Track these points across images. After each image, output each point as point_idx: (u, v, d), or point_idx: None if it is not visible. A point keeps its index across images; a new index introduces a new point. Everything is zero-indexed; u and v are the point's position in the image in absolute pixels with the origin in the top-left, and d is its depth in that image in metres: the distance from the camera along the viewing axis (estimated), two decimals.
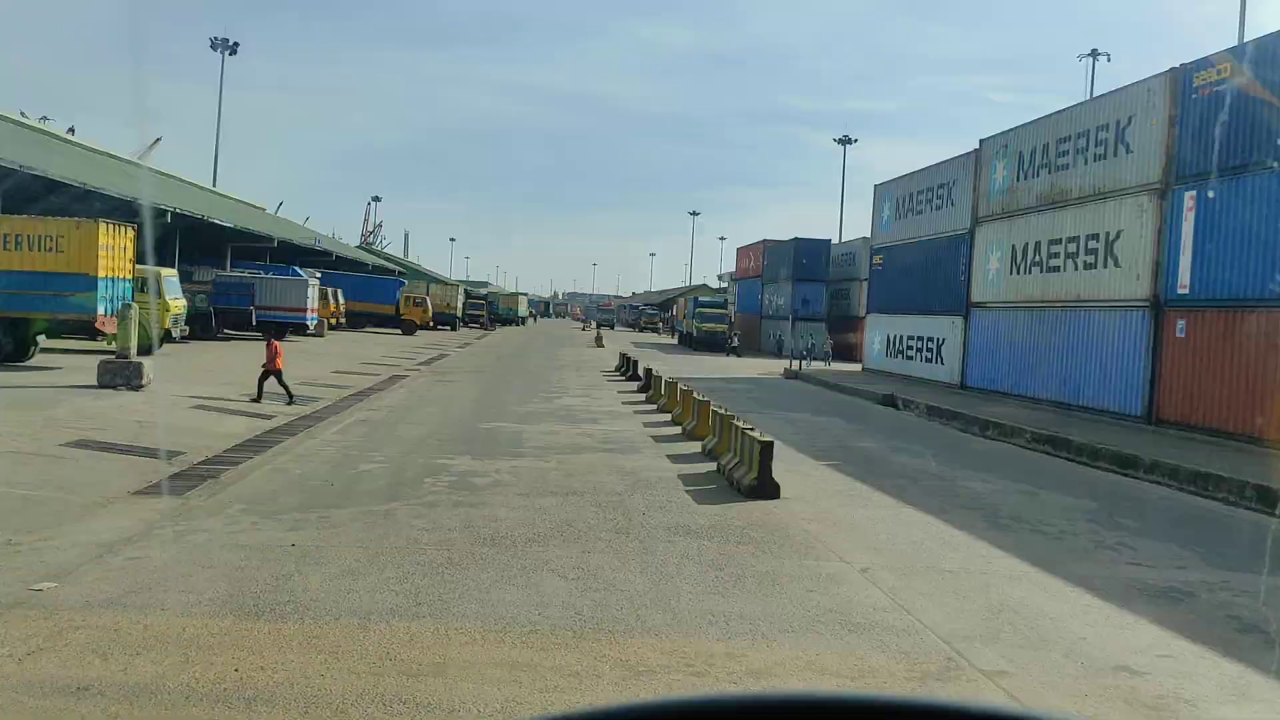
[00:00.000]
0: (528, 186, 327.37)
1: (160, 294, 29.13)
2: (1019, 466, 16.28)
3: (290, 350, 39.42)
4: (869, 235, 59.56)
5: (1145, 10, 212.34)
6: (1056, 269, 25.51)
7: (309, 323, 42.18)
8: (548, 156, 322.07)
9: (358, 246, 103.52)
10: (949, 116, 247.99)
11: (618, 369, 35.55)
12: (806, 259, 59.61)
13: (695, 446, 16.20)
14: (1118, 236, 22.93)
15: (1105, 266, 23.33)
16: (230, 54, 75.13)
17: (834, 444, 18.01)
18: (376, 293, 59.47)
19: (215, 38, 74.55)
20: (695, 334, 61.69)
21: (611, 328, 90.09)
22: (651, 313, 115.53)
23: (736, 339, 57.93)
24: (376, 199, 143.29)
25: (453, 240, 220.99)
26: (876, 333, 39.42)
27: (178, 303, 30.23)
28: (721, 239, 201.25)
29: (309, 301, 41.82)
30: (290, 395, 19.49)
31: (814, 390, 32.61)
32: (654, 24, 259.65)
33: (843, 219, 79.39)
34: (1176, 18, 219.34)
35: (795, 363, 41.79)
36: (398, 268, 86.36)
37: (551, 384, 28.75)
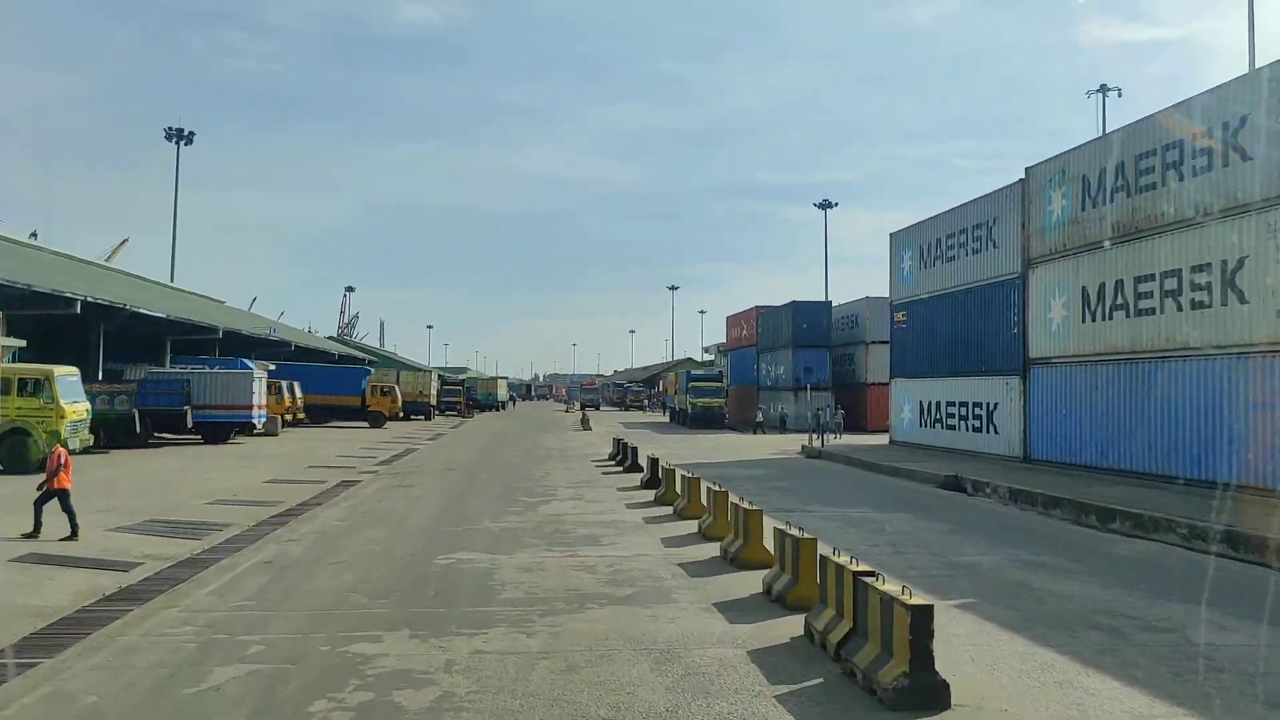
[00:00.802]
0: (504, 271, 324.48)
1: (53, 398, 23.81)
2: (1228, 588, 11.09)
3: (232, 453, 34.05)
4: (870, 295, 55.26)
5: (1099, 77, 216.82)
6: (1150, 311, 20.72)
7: (256, 421, 36.78)
8: (522, 240, 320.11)
9: (330, 338, 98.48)
10: (915, 183, 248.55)
11: (613, 458, 30.31)
12: (807, 323, 54.91)
13: (748, 580, 11.02)
14: (1239, 265, 18.18)
15: (1224, 304, 18.53)
16: (186, 144, 71.97)
17: (935, 560, 12.81)
18: (340, 384, 54.16)
19: (170, 128, 71.54)
20: (690, 410, 56.60)
21: (596, 408, 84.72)
22: (637, 390, 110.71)
23: (760, 414, 52.35)
24: (350, 289, 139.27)
25: (430, 327, 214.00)
26: (905, 400, 34.48)
27: (77, 407, 24.86)
28: (702, 312, 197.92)
29: (255, 397, 36.48)
30: (74, 530, 13.30)
31: (849, 472, 27.39)
32: (620, 107, 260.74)
33: (828, 284, 75.13)
34: (1130, 78, 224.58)
35: (813, 438, 36.69)
36: (367, 356, 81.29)
37: (535, 482, 23.48)
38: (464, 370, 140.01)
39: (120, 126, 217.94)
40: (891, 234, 35.86)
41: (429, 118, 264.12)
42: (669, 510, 17.84)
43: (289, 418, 44.80)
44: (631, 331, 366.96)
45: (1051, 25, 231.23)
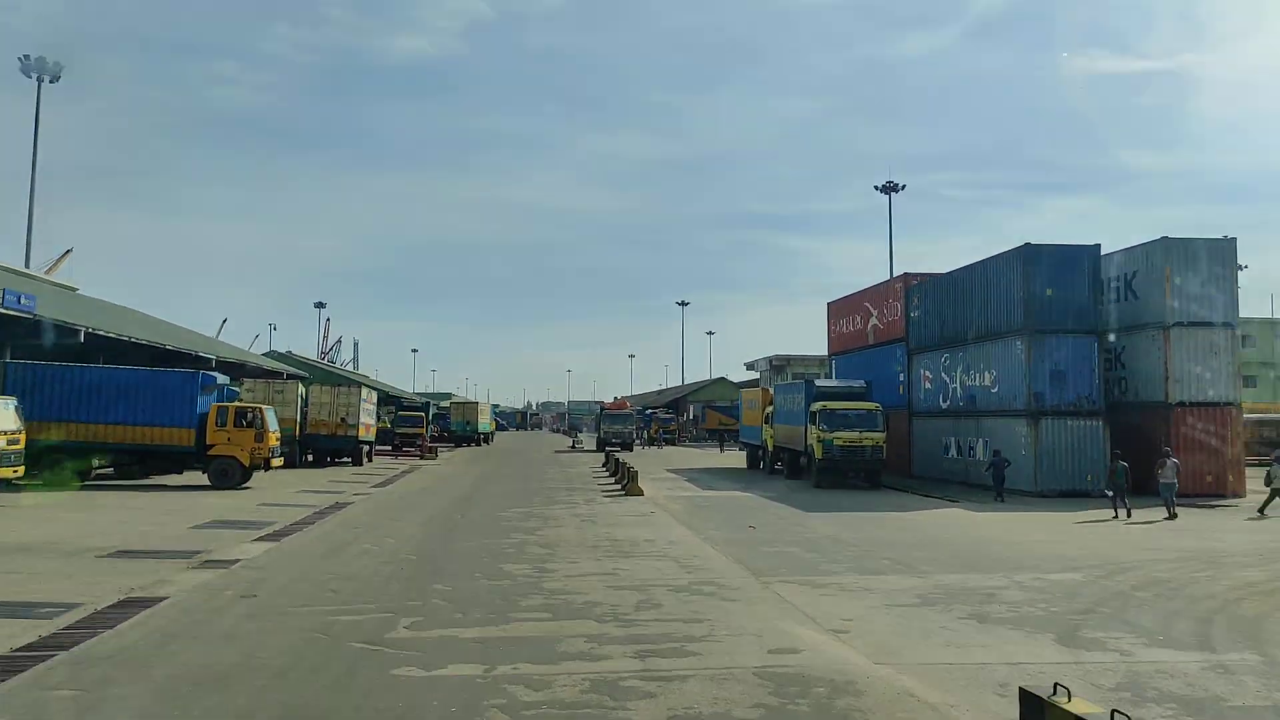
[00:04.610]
0: (495, 301, 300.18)
1: None
2: None
3: None
4: (1169, 235, 29.52)
5: (1088, 107, 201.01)
6: None
7: None
8: (513, 271, 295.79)
9: (268, 353, 71.41)
10: (905, 213, 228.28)
11: None
12: (1055, 285, 28.71)
13: None
14: None
15: None
16: (53, 81, 50.44)
17: None
18: (155, 403, 27.54)
19: (24, 56, 50.29)
20: (822, 455, 30.35)
21: (628, 447, 57.46)
22: (664, 418, 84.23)
23: (1167, 468, 22.51)
24: (320, 305, 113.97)
25: (415, 351, 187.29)
26: None
27: None
28: (710, 333, 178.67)
29: None
30: None
31: None
32: (611, 137, 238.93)
33: (893, 266, 47.28)
34: (1120, 109, 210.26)
35: None
36: (288, 370, 54.93)
37: None
38: (448, 396, 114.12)
39: (113, 154, 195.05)
40: None
41: (421, 148, 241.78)
42: None
43: None
44: (631, 356, 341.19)
45: (1042, 58, 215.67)
